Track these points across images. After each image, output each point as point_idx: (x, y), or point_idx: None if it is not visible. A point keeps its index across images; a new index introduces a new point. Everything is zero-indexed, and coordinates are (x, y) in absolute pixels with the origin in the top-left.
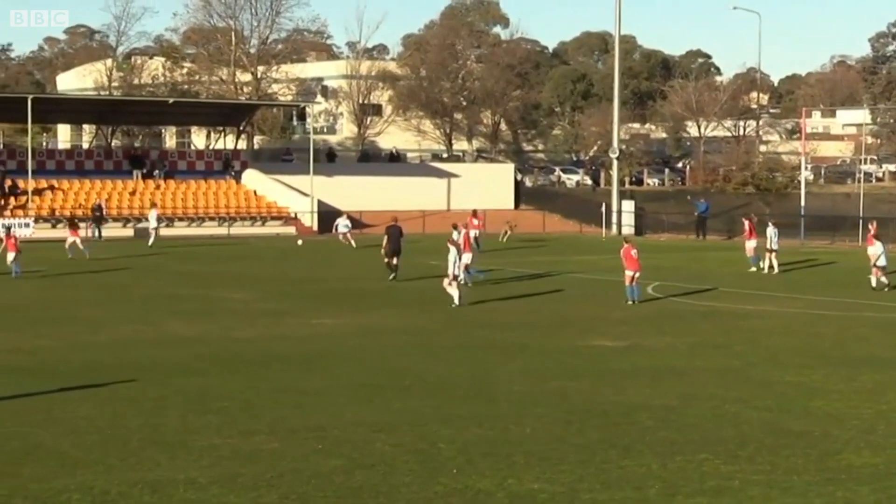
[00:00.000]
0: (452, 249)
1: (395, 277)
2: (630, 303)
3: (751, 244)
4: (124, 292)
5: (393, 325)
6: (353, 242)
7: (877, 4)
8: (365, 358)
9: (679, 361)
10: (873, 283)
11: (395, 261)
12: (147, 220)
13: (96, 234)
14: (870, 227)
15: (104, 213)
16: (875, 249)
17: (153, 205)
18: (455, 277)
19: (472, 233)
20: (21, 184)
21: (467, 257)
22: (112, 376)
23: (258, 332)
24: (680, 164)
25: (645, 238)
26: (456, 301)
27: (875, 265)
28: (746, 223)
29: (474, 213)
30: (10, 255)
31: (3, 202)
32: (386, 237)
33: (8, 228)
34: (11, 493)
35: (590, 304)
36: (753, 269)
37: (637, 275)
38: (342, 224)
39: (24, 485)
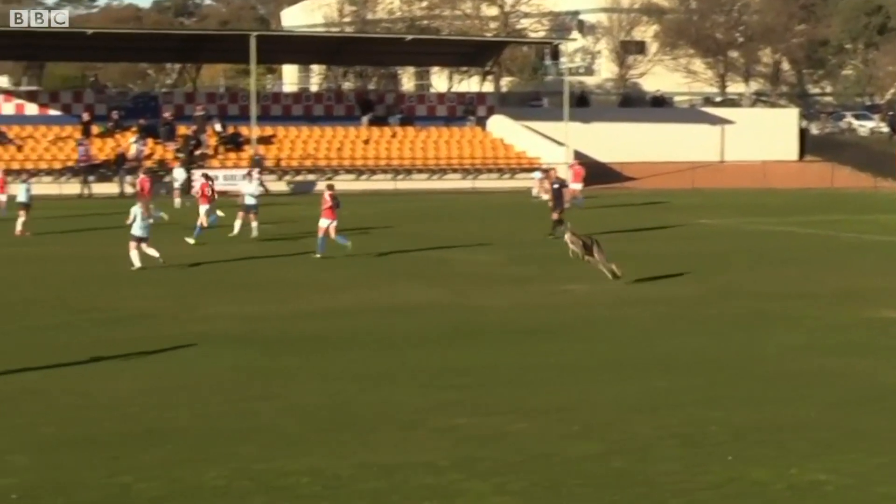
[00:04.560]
0: None
1: (554, 235)
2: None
3: None
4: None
5: (653, 295)
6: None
7: None
8: (620, 330)
9: None
10: None
11: (555, 216)
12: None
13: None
14: None
15: (263, 166)
16: None
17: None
18: None
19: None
20: (244, 131)
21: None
22: (335, 347)
23: (499, 299)
24: None
25: None
26: None
27: None
28: None
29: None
30: (203, 208)
31: (220, 152)
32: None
33: (209, 178)
34: (233, 474)
35: (882, 271)
36: None
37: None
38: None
39: (247, 466)
